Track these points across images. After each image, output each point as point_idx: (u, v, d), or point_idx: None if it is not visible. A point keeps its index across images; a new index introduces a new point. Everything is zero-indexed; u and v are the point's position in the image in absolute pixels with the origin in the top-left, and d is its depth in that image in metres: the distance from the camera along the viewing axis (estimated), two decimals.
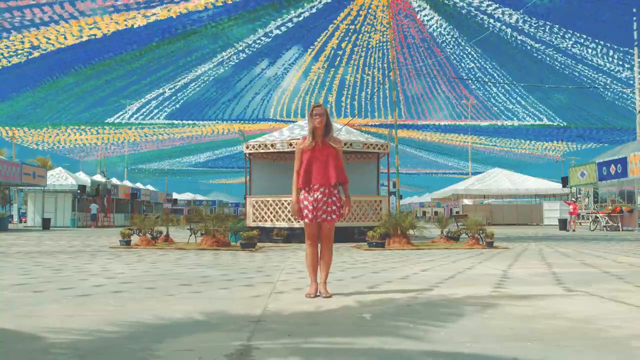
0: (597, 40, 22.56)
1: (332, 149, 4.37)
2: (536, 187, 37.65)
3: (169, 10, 18.25)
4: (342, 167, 4.40)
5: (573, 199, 27.37)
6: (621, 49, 23.21)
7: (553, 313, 3.59)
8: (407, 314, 3.61)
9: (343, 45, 27.57)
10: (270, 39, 25.45)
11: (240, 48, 25.25)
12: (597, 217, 25.02)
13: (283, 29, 24.28)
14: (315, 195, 4.29)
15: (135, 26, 18.55)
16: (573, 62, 25.17)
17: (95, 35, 19.12)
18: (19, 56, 19.03)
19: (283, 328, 3.14)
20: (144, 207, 43.34)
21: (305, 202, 4.32)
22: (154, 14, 18.10)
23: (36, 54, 19.14)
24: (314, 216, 4.29)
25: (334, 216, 4.30)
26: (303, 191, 4.36)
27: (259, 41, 25.47)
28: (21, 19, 16.60)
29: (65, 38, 18.78)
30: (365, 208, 14.14)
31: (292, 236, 13.60)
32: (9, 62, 19.18)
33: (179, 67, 26.83)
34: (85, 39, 19.32)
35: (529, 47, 25.21)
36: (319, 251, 4.48)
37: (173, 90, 29.07)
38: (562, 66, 26.01)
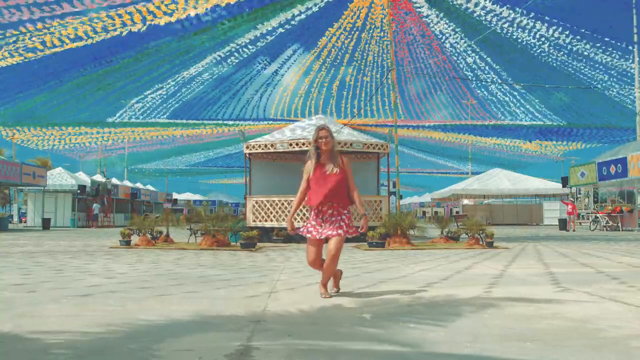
0: (597, 39, 22.57)
1: (341, 171, 4.37)
2: (536, 187, 37.64)
3: (170, 15, 18.26)
4: (350, 189, 4.40)
5: (571, 198, 27.36)
6: (622, 48, 23.21)
7: (552, 313, 3.59)
8: (407, 313, 3.62)
9: (344, 44, 27.57)
10: (272, 38, 25.45)
11: (241, 45, 25.23)
12: (597, 217, 25.01)
13: (285, 27, 24.27)
14: (324, 217, 4.31)
15: (135, 28, 18.56)
16: (573, 61, 25.17)
17: (95, 35, 19.12)
18: (18, 55, 19.03)
19: (283, 328, 3.15)
20: (144, 207, 43.34)
21: (313, 222, 4.33)
22: (154, 17, 18.11)
23: (38, 51, 19.14)
24: (318, 233, 4.28)
25: (340, 231, 4.24)
26: (312, 210, 4.38)
27: (260, 40, 25.47)
28: (19, 18, 16.60)
29: (64, 38, 18.79)
30: (365, 208, 14.12)
31: (292, 236, 13.59)
32: (11, 61, 19.17)
33: (178, 66, 26.82)
34: (84, 39, 19.32)
35: (528, 46, 25.21)
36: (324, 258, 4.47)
37: (174, 89, 29.07)
38: (562, 65, 26.01)
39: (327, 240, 4.29)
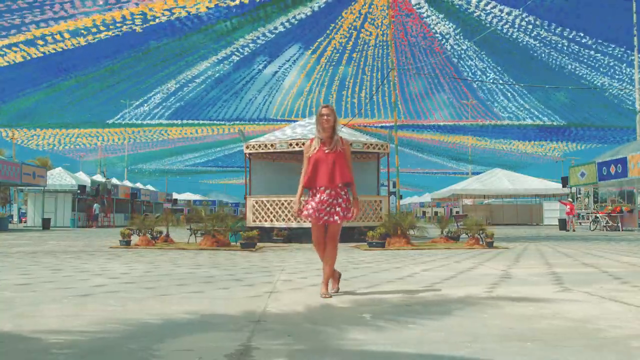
0: (597, 39, 22.57)
1: (340, 150, 4.37)
2: (536, 187, 37.65)
3: (171, 13, 18.28)
4: (348, 169, 4.40)
5: (570, 199, 27.39)
6: (622, 48, 23.21)
7: (553, 313, 3.59)
8: (406, 313, 3.62)
9: (342, 44, 27.57)
10: (272, 38, 25.45)
11: (241, 45, 25.24)
12: (597, 217, 25.01)
13: (285, 26, 24.26)
14: (321, 197, 4.29)
15: (136, 27, 18.58)
16: (573, 61, 25.16)
17: (95, 35, 19.13)
18: (19, 54, 19.03)
19: (283, 328, 3.15)
20: (144, 207, 43.33)
21: (313, 204, 4.31)
22: (154, 15, 18.12)
23: (38, 54, 19.15)
24: (317, 217, 4.28)
25: (336, 217, 4.27)
26: (310, 192, 4.37)
27: (260, 40, 25.47)
28: (21, 19, 16.62)
29: (65, 39, 18.79)
30: (365, 208, 14.13)
31: (292, 236, 13.59)
32: (12, 61, 19.17)
33: (180, 66, 26.81)
34: (85, 39, 19.32)
35: (528, 46, 25.21)
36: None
37: (174, 90, 29.06)
38: (562, 65, 26.00)
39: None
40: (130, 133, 36.22)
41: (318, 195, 4.31)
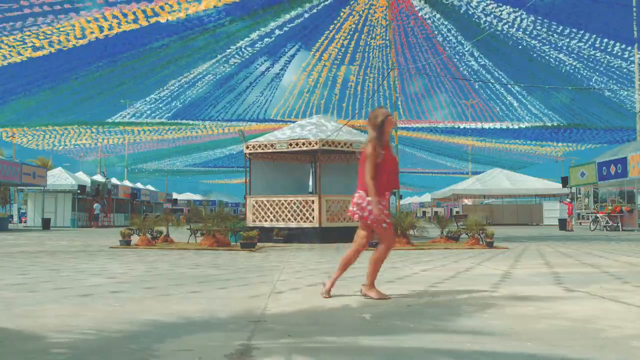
0: (597, 39, 22.55)
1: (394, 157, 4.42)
2: (536, 187, 37.66)
3: (171, 13, 18.27)
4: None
5: (569, 199, 27.39)
6: (621, 47, 23.20)
7: (553, 313, 3.59)
8: (406, 314, 3.62)
9: (343, 44, 27.57)
10: (272, 39, 25.46)
11: (241, 46, 25.27)
12: (597, 217, 25.02)
13: (284, 28, 24.28)
14: (383, 202, 4.32)
15: (137, 26, 18.57)
16: (573, 61, 25.16)
17: (96, 36, 19.12)
18: (20, 55, 19.01)
19: (283, 328, 3.15)
20: (144, 207, 43.32)
21: (382, 208, 4.31)
22: (156, 15, 18.10)
23: (38, 53, 19.14)
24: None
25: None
26: (376, 197, 4.20)
27: (260, 41, 25.48)
28: (22, 19, 16.62)
29: (67, 40, 18.79)
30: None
31: (292, 236, 13.58)
32: (12, 61, 19.15)
33: (180, 67, 26.80)
34: (86, 40, 19.31)
35: (528, 46, 25.21)
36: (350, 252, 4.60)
37: (174, 90, 29.06)
38: (562, 66, 26.00)
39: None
40: (130, 133, 36.21)
41: (383, 200, 4.31)
